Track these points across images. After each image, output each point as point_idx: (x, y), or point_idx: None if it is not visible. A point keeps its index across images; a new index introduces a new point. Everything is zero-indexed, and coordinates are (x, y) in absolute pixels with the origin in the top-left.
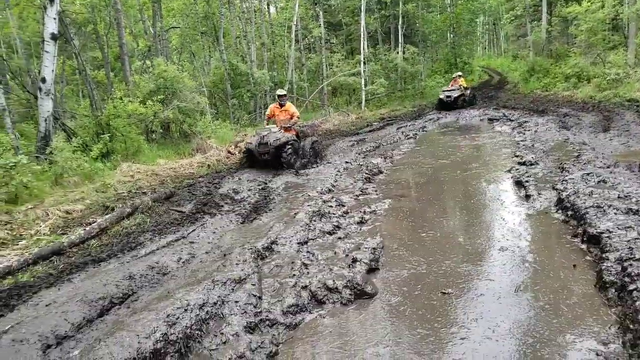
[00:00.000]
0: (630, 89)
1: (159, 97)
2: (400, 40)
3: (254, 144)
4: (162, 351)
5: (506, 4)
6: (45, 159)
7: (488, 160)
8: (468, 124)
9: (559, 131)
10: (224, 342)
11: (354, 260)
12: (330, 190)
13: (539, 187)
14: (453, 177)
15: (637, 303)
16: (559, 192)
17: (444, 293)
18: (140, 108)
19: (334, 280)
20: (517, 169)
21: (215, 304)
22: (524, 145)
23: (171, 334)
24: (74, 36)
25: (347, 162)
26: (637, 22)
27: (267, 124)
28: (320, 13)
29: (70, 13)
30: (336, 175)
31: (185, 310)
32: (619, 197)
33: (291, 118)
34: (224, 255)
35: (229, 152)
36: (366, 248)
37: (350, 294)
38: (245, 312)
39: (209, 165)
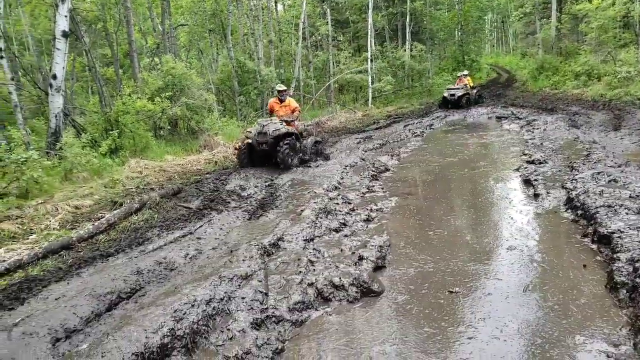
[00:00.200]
0: None
1: (167, 94)
2: (407, 38)
3: (254, 132)
4: (169, 346)
5: (515, 1)
6: (55, 155)
7: (496, 159)
8: (476, 122)
9: (568, 130)
10: (231, 338)
11: (361, 258)
12: (336, 188)
13: (548, 186)
14: (460, 175)
15: None
16: (569, 191)
17: (451, 292)
18: (149, 105)
19: (340, 278)
20: (526, 168)
21: (221, 299)
22: (532, 143)
23: (178, 329)
24: (84, 33)
25: (353, 160)
26: None
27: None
28: (328, 10)
29: (81, 11)
30: (342, 172)
31: (192, 305)
32: (630, 196)
33: (293, 112)
34: (231, 251)
35: (236, 149)
36: (373, 246)
37: (356, 292)
38: (251, 308)
39: (216, 161)
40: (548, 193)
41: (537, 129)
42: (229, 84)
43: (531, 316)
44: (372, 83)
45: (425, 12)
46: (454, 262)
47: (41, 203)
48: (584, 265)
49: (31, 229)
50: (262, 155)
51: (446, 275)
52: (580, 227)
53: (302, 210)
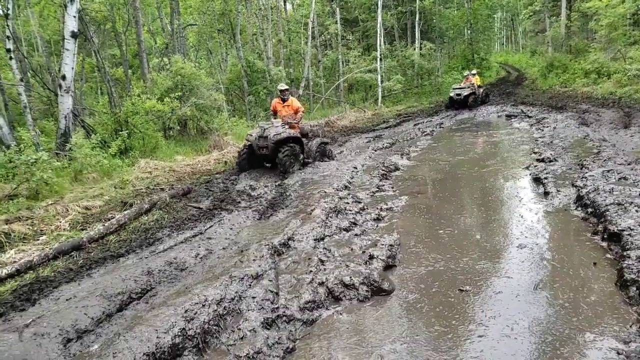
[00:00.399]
0: None
1: (176, 94)
2: (417, 37)
3: (254, 136)
4: (180, 346)
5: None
6: (65, 156)
7: (506, 157)
8: (485, 120)
9: (578, 127)
10: (242, 338)
11: (371, 257)
12: (346, 187)
13: (557, 184)
14: (470, 174)
15: None
16: (579, 189)
17: (462, 290)
18: (158, 105)
19: (350, 277)
20: (536, 166)
21: (232, 299)
22: (542, 141)
23: (189, 329)
24: (93, 34)
25: (363, 159)
26: None
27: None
28: (337, 9)
29: (90, 11)
30: (352, 171)
31: (203, 305)
32: None
33: (295, 113)
34: (241, 251)
35: (238, 151)
36: (383, 245)
37: (367, 291)
38: (262, 308)
39: (225, 161)
40: (558, 191)
41: (547, 127)
42: (238, 83)
43: (542, 314)
44: (382, 82)
45: (435, 10)
46: (464, 260)
47: (51, 204)
48: (594, 263)
49: (41, 230)
50: (263, 159)
51: (456, 273)
52: (591, 224)
53: (312, 210)
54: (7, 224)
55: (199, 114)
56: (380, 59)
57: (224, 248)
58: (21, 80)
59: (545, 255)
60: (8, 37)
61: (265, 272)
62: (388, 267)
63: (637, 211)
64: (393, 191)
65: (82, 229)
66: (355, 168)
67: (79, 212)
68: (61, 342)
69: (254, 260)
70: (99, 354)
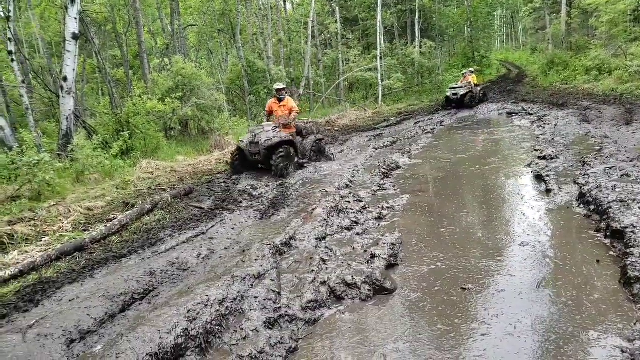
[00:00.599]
0: None
1: (177, 94)
2: (417, 35)
3: (246, 142)
4: (183, 346)
5: None
6: (67, 157)
7: (507, 155)
8: (486, 118)
9: (579, 124)
10: (244, 338)
11: (373, 256)
12: (347, 186)
13: (559, 182)
14: (472, 172)
15: None
16: (581, 187)
17: (464, 289)
18: (159, 105)
19: (352, 276)
20: (537, 163)
21: (234, 299)
22: (543, 139)
23: (192, 330)
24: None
25: (364, 158)
26: None
27: (267, 121)
28: (337, 9)
29: (91, 13)
30: (353, 170)
31: (206, 305)
32: None
33: (290, 113)
34: (243, 251)
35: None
36: (385, 244)
37: (369, 290)
38: (264, 307)
39: (227, 161)
40: (560, 188)
41: (548, 124)
42: (239, 83)
43: (545, 312)
44: (382, 81)
45: (435, 8)
46: (466, 259)
47: (54, 205)
48: (598, 261)
49: (44, 231)
50: (256, 163)
51: (459, 272)
52: (593, 222)
53: (313, 209)
54: (10, 225)
55: (200, 114)
56: (381, 58)
57: (225, 248)
58: (23, 82)
59: (548, 253)
60: (10, 39)
61: (267, 271)
62: (390, 266)
63: None
64: (394, 190)
65: (85, 230)
66: (356, 167)
67: (81, 213)
68: (64, 343)
69: (255, 260)
70: (102, 355)
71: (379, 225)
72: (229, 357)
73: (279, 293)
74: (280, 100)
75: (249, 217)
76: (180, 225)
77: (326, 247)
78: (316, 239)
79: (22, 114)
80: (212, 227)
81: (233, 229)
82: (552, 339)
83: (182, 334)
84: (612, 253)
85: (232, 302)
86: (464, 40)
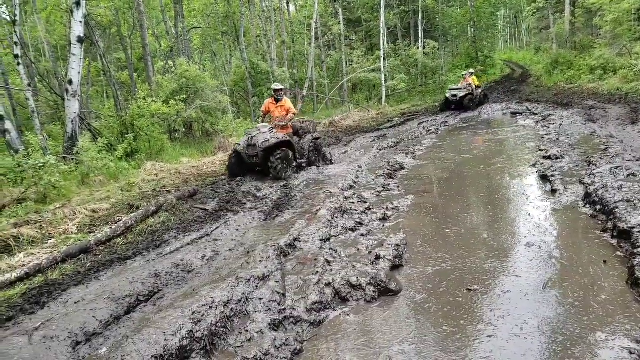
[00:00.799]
0: None
1: (181, 96)
2: (420, 35)
3: (242, 145)
4: (188, 348)
5: None
6: (72, 159)
7: (512, 155)
8: (490, 118)
9: (584, 124)
10: (249, 340)
11: (377, 257)
12: (351, 187)
13: (565, 182)
14: (476, 172)
15: None
16: (587, 186)
17: (470, 290)
18: (164, 108)
19: (357, 278)
20: (542, 163)
21: (239, 301)
22: (548, 139)
23: (197, 331)
24: (99, 38)
25: (368, 158)
26: None
27: (263, 121)
28: (340, 10)
29: (96, 16)
30: (357, 171)
31: (210, 307)
32: None
33: (287, 114)
34: (248, 252)
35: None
36: (389, 245)
37: (374, 291)
38: (269, 309)
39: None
40: (565, 188)
41: (553, 124)
42: (243, 85)
43: (551, 313)
44: (386, 81)
45: (438, 9)
46: (472, 259)
47: (59, 207)
48: (604, 261)
49: (50, 234)
50: (254, 166)
51: (464, 273)
52: (600, 222)
53: (317, 210)
54: (16, 227)
55: (204, 116)
56: (384, 59)
57: (230, 249)
58: (29, 85)
59: (554, 254)
60: (16, 43)
61: (271, 273)
62: (395, 267)
63: None
64: (399, 190)
65: (90, 232)
66: (360, 168)
67: (86, 215)
68: (70, 345)
69: (260, 261)
70: (107, 357)
71: (383, 226)
72: (234, 359)
73: (283, 295)
74: (277, 100)
75: (253, 218)
76: (184, 227)
77: (331, 249)
78: (320, 240)
79: (28, 117)
80: (216, 228)
81: (237, 230)
82: (559, 341)
83: (187, 335)
84: (619, 253)
85: (236, 303)
86: (468, 40)
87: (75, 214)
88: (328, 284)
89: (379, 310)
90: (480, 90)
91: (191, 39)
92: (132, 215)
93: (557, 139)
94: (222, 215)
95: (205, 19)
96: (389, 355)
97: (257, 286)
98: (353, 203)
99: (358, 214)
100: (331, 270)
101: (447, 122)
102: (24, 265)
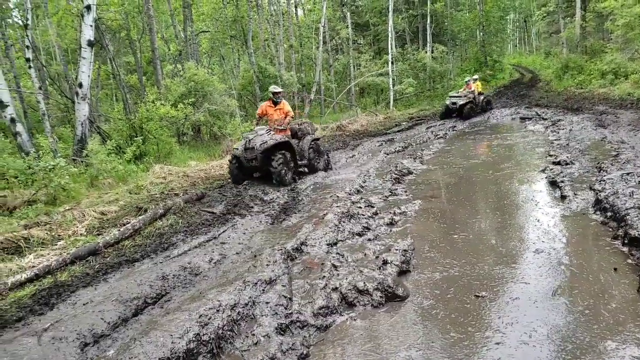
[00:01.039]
0: None
1: (189, 100)
2: (428, 40)
3: (240, 149)
4: (195, 351)
5: (537, 0)
6: (82, 162)
7: (521, 160)
8: (499, 123)
9: (595, 129)
10: (256, 343)
11: (385, 262)
12: (358, 191)
13: (575, 188)
14: (485, 178)
15: None
16: (597, 193)
17: (478, 296)
18: (172, 111)
19: (364, 282)
20: (552, 169)
21: (246, 304)
22: (558, 144)
23: (204, 334)
24: (109, 42)
25: (375, 163)
26: None
27: (258, 125)
28: (348, 14)
29: (106, 20)
30: (365, 175)
31: (217, 310)
32: None
33: (285, 117)
34: (255, 256)
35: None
36: (397, 250)
37: (381, 297)
38: (276, 313)
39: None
40: (575, 195)
41: (563, 129)
42: (251, 89)
43: (561, 321)
44: (394, 85)
45: (446, 13)
46: (480, 265)
47: (68, 209)
48: (615, 269)
49: (59, 235)
50: (253, 170)
51: (472, 279)
52: (610, 229)
53: (324, 215)
54: (26, 229)
55: (212, 120)
56: (392, 63)
57: (237, 253)
58: (40, 88)
59: (564, 261)
60: (27, 46)
61: (278, 277)
62: (402, 273)
63: None
64: (406, 195)
65: (98, 234)
66: (368, 172)
67: (95, 217)
68: (78, 346)
69: (267, 265)
70: (115, 359)
71: (390, 231)
72: None
73: (290, 299)
74: (275, 103)
75: (260, 222)
76: (192, 230)
77: (338, 253)
78: (327, 244)
79: (39, 120)
80: (223, 231)
81: (244, 233)
82: (569, 349)
83: (194, 338)
84: (630, 261)
85: (243, 307)
86: (476, 44)
87: (84, 216)
88: (335, 289)
89: (386, 316)
90: (482, 97)
91: (200, 42)
92: (140, 217)
93: (567, 144)
94: (229, 218)
95: (213, 23)
96: None
97: (264, 290)
98: (360, 208)
99: (365, 218)
100: (338, 274)
101: (455, 126)
102: (33, 267)
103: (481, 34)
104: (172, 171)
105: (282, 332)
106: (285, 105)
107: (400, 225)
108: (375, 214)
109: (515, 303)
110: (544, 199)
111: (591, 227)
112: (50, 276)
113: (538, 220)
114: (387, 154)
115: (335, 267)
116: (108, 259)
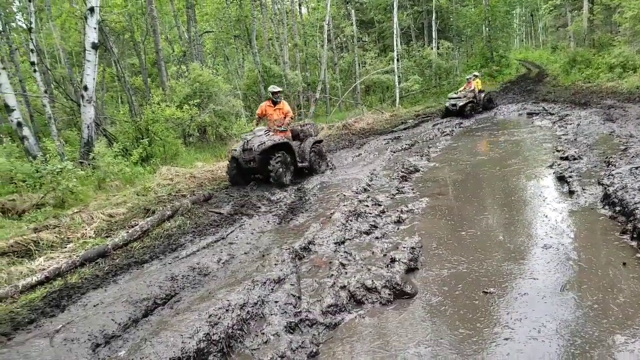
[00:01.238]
0: None
1: (195, 101)
2: (434, 36)
3: (238, 150)
4: (205, 351)
5: None
6: (89, 165)
7: (528, 156)
8: (506, 119)
9: (603, 124)
10: (265, 342)
11: (393, 260)
12: (365, 190)
13: (583, 183)
14: (492, 174)
15: None
16: (605, 187)
17: (486, 292)
18: (177, 112)
19: (372, 280)
20: (560, 164)
21: (255, 304)
22: (566, 139)
23: (214, 334)
24: (113, 44)
25: (382, 161)
26: None
27: (257, 125)
28: (352, 11)
29: (110, 22)
30: (371, 174)
31: (227, 310)
32: None
33: (285, 118)
34: (263, 255)
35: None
36: (404, 247)
37: (389, 294)
38: (285, 312)
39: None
40: (584, 190)
41: (570, 124)
42: (256, 89)
43: (569, 316)
44: (399, 83)
45: (451, 9)
46: (488, 262)
47: (77, 212)
48: (624, 263)
49: (68, 238)
50: (252, 172)
51: (480, 275)
52: (619, 223)
53: (332, 213)
54: (35, 232)
55: (218, 120)
56: (397, 60)
57: (245, 253)
58: (45, 91)
59: (572, 256)
60: (32, 50)
61: (287, 276)
62: (410, 270)
63: None
64: (413, 193)
65: (107, 236)
66: (374, 170)
67: (103, 220)
68: (90, 347)
69: (275, 264)
70: (127, 359)
71: (398, 229)
72: None
73: (299, 297)
74: (275, 103)
75: (268, 221)
76: (200, 230)
77: (345, 252)
78: (335, 243)
79: (45, 123)
80: (231, 232)
81: (252, 233)
82: (578, 343)
83: (204, 338)
84: (639, 255)
85: (252, 306)
86: (482, 40)
87: (92, 218)
88: (343, 287)
89: (394, 313)
90: (483, 95)
91: (204, 43)
92: (148, 219)
93: (574, 139)
94: (237, 218)
95: (217, 23)
96: (405, 358)
97: (272, 289)
98: (367, 206)
99: (372, 216)
100: (346, 273)
101: (461, 123)
102: (44, 269)
103: (487, 29)
104: (179, 172)
105: (291, 331)
106: (285, 105)
107: (407, 223)
108: (383, 212)
109: (524, 299)
110: (552, 195)
111: (599, 222)
112: (60, 278)
113: (546, 216)
114: (394, 152)
115: (343, 265)
116: (117, 260)
